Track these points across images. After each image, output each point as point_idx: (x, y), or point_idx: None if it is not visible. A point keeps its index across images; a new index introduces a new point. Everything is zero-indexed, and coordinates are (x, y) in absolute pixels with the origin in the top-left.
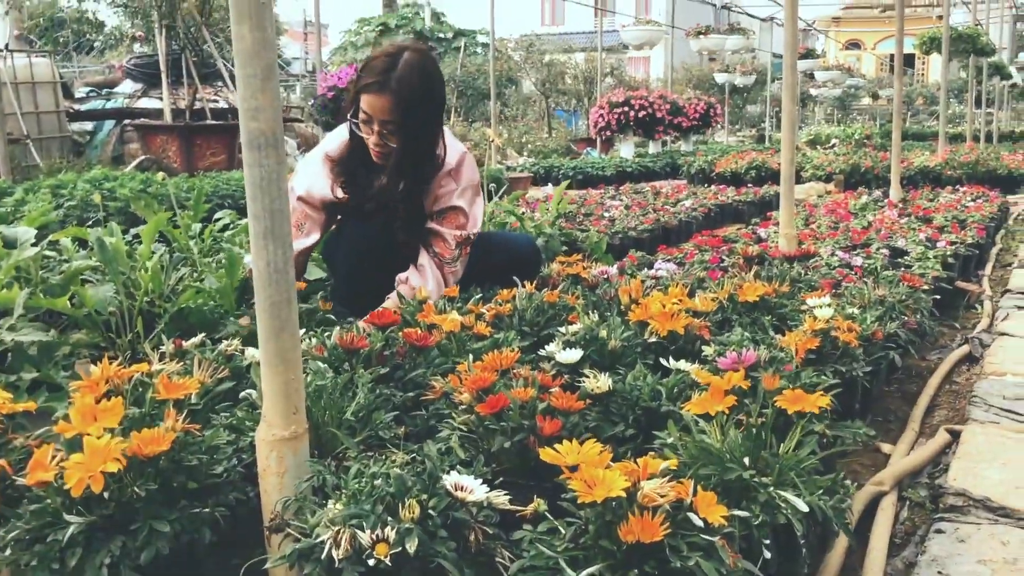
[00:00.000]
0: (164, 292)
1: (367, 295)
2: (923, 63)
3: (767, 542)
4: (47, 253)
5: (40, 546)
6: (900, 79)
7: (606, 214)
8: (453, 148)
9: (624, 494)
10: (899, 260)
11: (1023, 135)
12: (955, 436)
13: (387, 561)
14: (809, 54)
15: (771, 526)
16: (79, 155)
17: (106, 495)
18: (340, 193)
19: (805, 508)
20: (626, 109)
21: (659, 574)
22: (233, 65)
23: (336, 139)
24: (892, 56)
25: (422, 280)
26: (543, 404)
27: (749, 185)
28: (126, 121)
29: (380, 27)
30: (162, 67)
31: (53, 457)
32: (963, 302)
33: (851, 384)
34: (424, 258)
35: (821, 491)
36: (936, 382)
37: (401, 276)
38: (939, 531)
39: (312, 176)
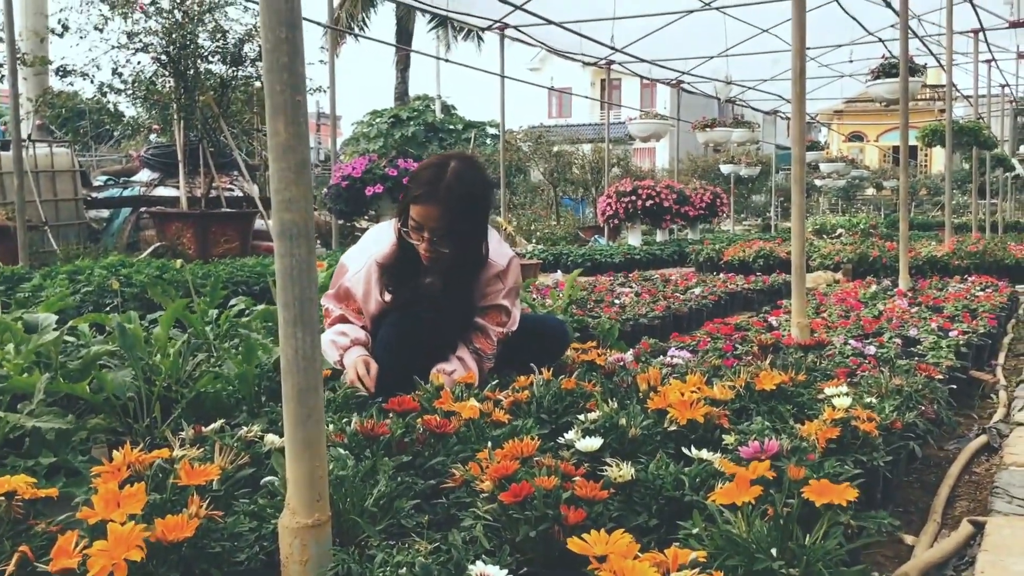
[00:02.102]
0: (182, 377)
1: (401, 384)
2: (926, 155)
3: None
4: (66, 338)
5: None
6: (906, 171)
7: (616, 301)
8: (502, 252)
9: None
10: (912, 349)
11: None
12: (978, 528)
13: None
14: (813, 146)
15: None
16: (95, 241)
17: None
18: (387, 297)
19: None
20: (633, 198)
21: None
22: (248, 155)
23: (385, 243)
24: (895, 148)
25: (464, 371)
26: (567, 493)
27: (758, 273)
28: (142, 208)
29: (392, 119)
30: (179, 157)
31: (76, 544)
32: (978, 392)
33: (872, 474)
34: (464, 351)
35: None
36: (955, 472)
37: (445, 367)
38: None
39: (367, 282)
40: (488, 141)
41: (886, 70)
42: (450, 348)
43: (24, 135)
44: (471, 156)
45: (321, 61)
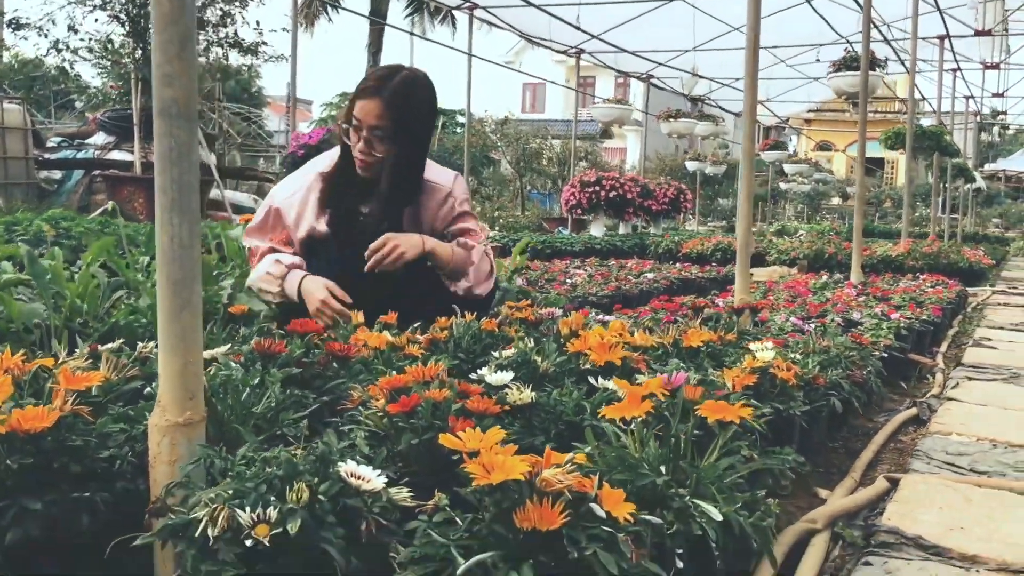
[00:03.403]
0: (99, 314)
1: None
2: (892, 166)
3: (680, 551)
4: None
5: None
6: (861, 164)
7: (568, 280)
8: (445, 174)
9: (523, 477)
10: (852, 330)
11: (986, 237)
12: (894, 484)
13: (266, 542)
14: (778, 146)
15: (686, 537)
16: (44, 200)
17: None
18: (323, 226)
19: (719, 517)
20: (597, 189)
21: (555, 564)
22: (206, 124)
23: (327, 159)
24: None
25: (477, 259)
26: (458, 406)
27: (713, 264)
28: (95, 171)
29: None
30: (135, 119)
31: None
32: (915, 374)
33: (788, 423)
34: (465, 245)
35: (740, 505)
36: (881, 439)
37: (461, 239)
38: (867, 563)
39: (303, 203)
40: (458, 129)
41: (847, 63)
42: (391, 282)
43: None
44: (423, 72)
45: (284, 29)
